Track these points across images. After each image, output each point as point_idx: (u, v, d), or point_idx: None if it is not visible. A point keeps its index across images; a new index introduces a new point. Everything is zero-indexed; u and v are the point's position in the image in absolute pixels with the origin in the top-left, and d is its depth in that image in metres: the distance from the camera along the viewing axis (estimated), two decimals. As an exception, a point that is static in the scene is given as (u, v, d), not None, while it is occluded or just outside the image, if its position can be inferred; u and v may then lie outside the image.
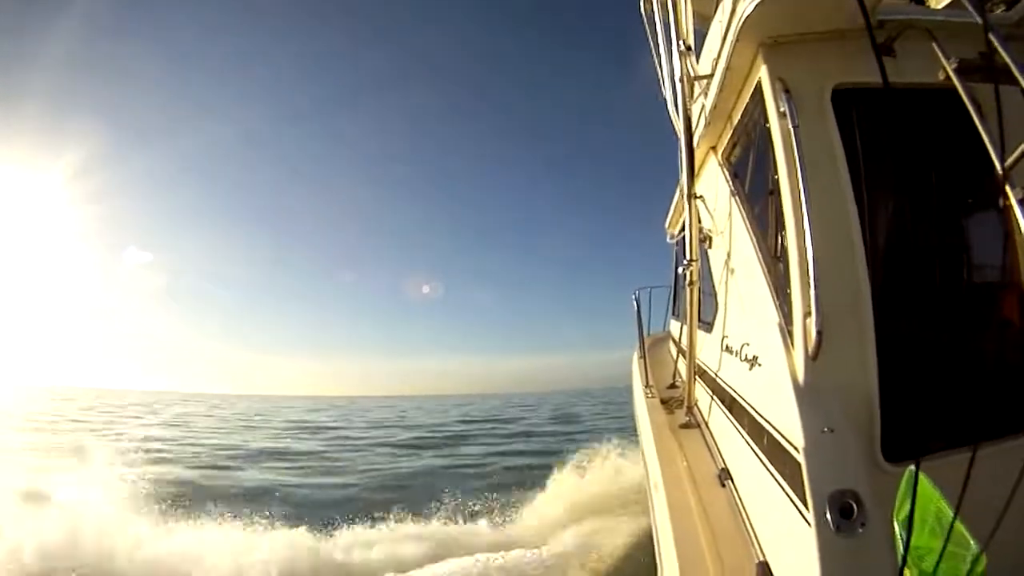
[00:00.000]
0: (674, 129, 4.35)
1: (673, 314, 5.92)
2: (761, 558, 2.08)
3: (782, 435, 2.06)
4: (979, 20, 1.77)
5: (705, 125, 3.26)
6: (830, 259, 2.11)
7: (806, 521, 1.75)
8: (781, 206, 2.33)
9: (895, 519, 1.42)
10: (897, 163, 2.35)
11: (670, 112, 4.17)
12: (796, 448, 1.92)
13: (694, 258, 3.08)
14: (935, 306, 2.21)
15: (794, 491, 1.88)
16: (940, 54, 2.04)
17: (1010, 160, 1.66)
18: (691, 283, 3.11)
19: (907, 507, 1.40)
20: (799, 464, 1.87)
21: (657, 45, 4.55)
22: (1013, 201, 1.69)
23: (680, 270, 3.24)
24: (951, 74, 1.96)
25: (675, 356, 4.48)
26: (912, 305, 2.25)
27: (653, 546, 2.98)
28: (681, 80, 3.03)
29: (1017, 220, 1.69)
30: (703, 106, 3.30)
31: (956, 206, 2.34)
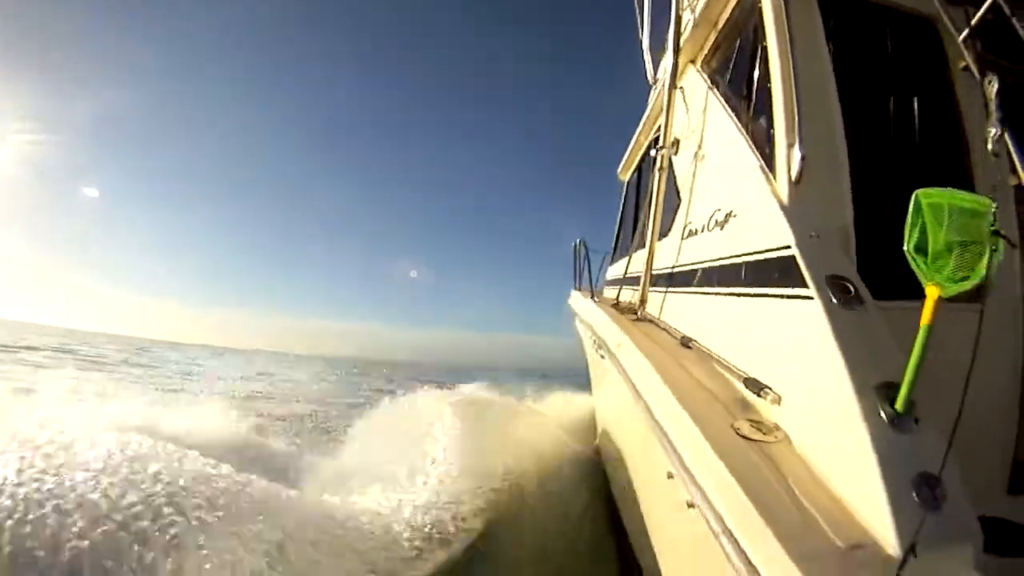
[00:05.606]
0: (642, 59, 4.64)
1: (612, 259, 6.14)
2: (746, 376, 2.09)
3: (768, 249, 2.15)
4: None
5: (687, 38, 3.50)
6: (811, 109, 2.32)
7: (807, 299, 1.83)
8: (768, 72, 2.53)
9: (907, 242, 1.51)
10: (867, 62, 2.68)
11: (642, 37, 4.46)
12: (787, 247, 2.02)
13: (665, 145, 3.26)
14: (902, 163, 2.49)
15: (789, 282, 1.96)
16: None
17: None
18: (661, 168, 3.28)
19: (917, 231, 1.50)
20: (792, 257, 1.97)
21: None
22: None
23: (653, 152, 3.37)
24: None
25: (617, 293, 4.52)
26: (881, 158, 2.51)
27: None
28: None
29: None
30: (687, 19, 3.55)
31: (919, 97, 2.68)
